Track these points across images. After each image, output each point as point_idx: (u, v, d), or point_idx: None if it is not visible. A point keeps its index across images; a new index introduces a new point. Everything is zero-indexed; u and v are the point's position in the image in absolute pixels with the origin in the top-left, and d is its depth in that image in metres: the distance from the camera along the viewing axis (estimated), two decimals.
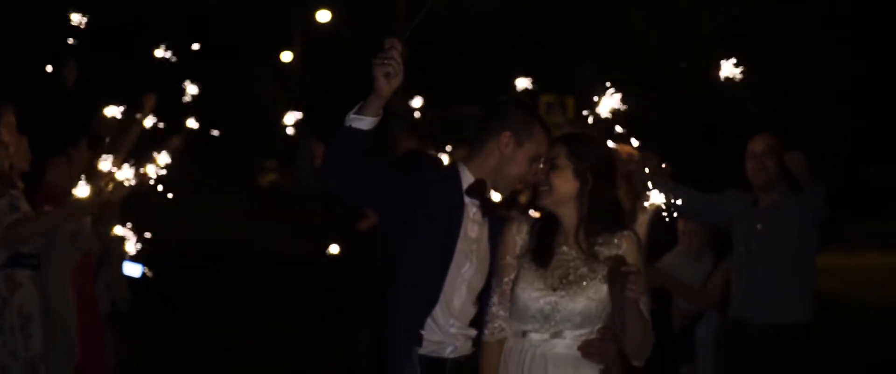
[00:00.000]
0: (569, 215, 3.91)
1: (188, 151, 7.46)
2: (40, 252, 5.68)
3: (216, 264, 15.13)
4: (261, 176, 30.46)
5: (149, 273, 7.30)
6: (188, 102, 7.35)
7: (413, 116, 9.94)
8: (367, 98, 3.79)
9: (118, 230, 7.03)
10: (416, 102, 10.64)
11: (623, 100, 4.91)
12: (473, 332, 4.03)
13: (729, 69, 5.46)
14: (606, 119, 4.93)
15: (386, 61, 3.72)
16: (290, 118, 9.88)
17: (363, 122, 3.79)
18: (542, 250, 3.89)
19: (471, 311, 4.05)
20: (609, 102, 4.89)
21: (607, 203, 3.91)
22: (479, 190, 4.07)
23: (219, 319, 11.10)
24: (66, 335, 5.96)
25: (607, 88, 4.89)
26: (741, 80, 5.42)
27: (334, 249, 9.65)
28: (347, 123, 3.80)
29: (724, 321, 6.04)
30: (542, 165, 4.00)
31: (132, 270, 7.64)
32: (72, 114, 6.98)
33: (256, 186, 29.29)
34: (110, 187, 5.45)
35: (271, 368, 9.39)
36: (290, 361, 9.52)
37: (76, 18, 7.20)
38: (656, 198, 5.52)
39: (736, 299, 5.86)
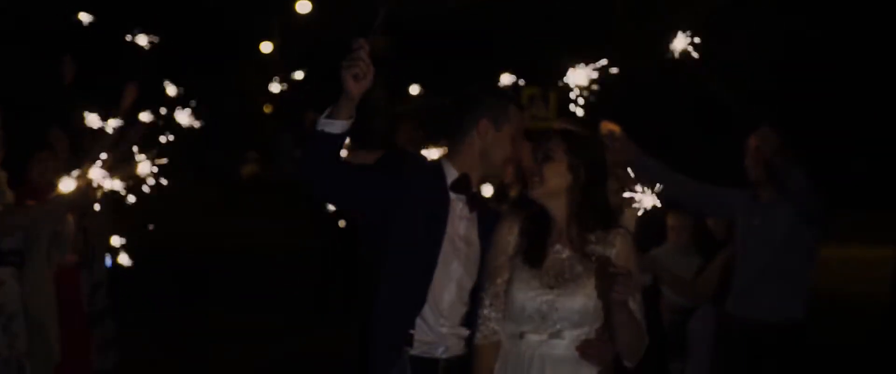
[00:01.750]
0: (559, 210, 3.85)
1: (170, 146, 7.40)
2: (22, 249, 5.61)
3: (204, 259, 15.05)
4: (241, 167, 30.28)
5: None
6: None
7: (411, 108, 9.97)
8: (338, 101, 3.74)
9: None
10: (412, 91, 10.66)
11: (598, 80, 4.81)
12: (465, 332, 3.98)
13: (682, 43, 5.43)
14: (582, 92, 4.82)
15: (354, 63, 3.66)
16: (276, 87, 9.97)
17: (334, 125, 3.74)
18: (534, 251, 3.83)
19: (461, 309, 3.99)
20: (581, 74, 4.80)
21: (599, 200, 3.85)
22: (464, 185, 4.02)
23: (215, 316, 11.04)
24: (46, 334, 5.90)
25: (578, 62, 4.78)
26: (700, 58, 5.36)
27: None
28: (319, 128, 3.75)
29: (720, 315, 6.01)
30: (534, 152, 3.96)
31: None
32: (63, 112, 6.92)
33: (237, 177, 29.12)
34: (97, 193, 5.38)
35: (267, 365, 9.32)
36: (285, 358, 9.45)
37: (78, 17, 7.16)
38: (640, 196, 5.48)
39: (732, 295, 5.84)
